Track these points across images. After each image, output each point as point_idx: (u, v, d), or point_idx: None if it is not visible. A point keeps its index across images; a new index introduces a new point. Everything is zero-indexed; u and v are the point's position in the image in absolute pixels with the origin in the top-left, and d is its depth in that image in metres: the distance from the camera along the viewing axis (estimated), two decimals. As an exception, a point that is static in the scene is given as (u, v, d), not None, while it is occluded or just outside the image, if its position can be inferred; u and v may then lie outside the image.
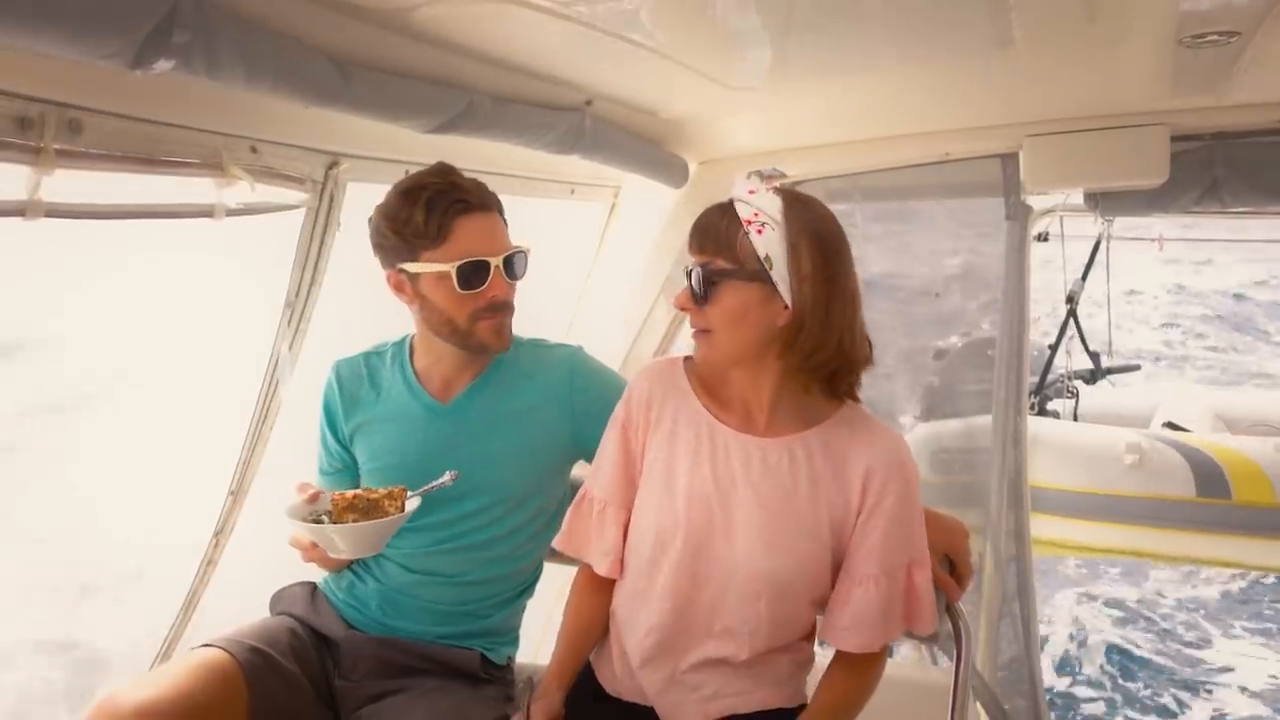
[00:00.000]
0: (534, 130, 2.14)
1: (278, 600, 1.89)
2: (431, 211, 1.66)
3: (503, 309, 1.73)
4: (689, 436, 1.54)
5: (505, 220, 1.78)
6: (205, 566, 2.15)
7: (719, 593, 1.48)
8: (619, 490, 1.59)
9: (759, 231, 1.41)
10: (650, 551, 1.52)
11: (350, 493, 1.63)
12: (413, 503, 1.66)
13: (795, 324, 1.43)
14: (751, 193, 1.44)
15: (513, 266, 1.74)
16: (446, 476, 1.70)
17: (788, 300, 1.42)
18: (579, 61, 2.08)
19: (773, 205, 1.42)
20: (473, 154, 2.16)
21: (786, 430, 1.51)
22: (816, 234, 1.43)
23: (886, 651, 1.55)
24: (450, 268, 1.66)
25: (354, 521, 1.60)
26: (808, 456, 1.49)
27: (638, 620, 1.55)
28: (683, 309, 1.48)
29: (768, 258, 1.41)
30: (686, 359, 1.62)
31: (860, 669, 1.53)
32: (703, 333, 1.47)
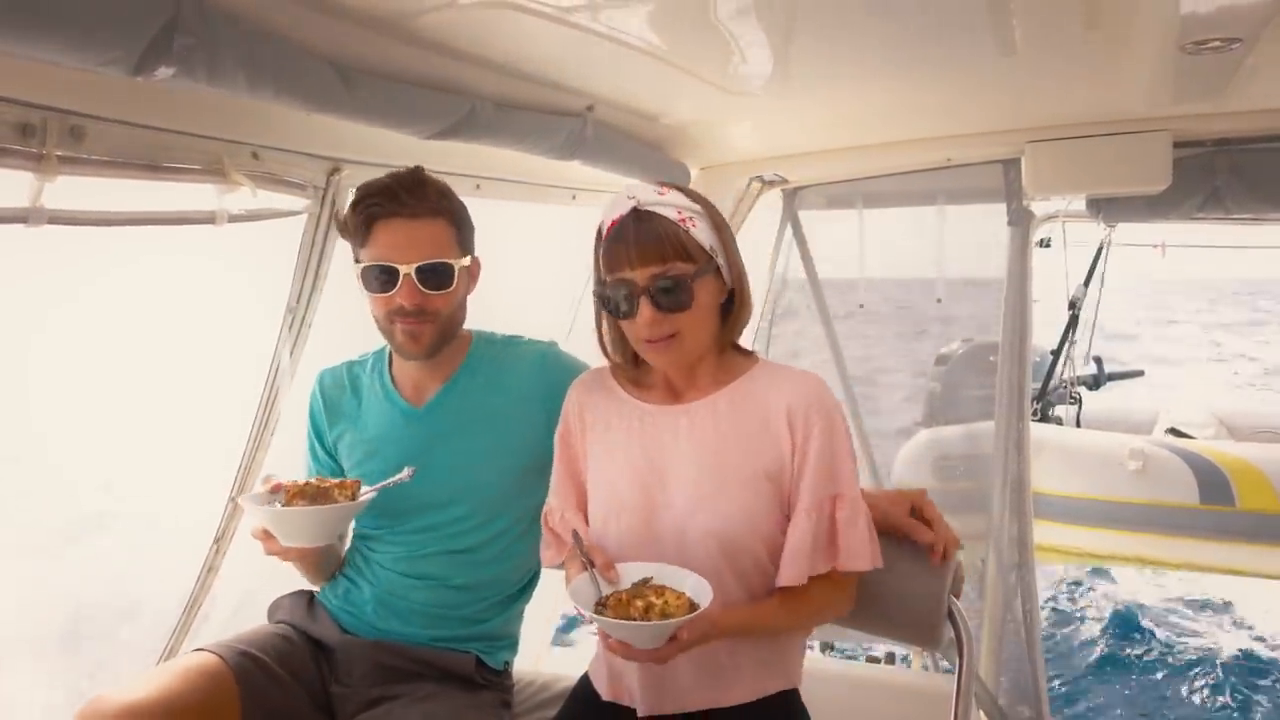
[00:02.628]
0: (535, 136, 2.14)
1: (275, 609, 1.89)
2: (355, 213, 1.69)
3: (414, 316, 1.70)
4: (622, 427, 1.60)
5: (458, 226, 1.75)
6: (206, 573, 2.15)
7: (675, 559, 1.49)
8: (570, 495, 1.64)
9: (693, 225, 1.46)
10: (602, 539, 1.55)
11: (303, 480, 1.64)
12: (365, 495, 1.65)
13: (733, 297, 1.54)
14: (661, 193, 1.47)
15: (429, 277, 1.69)
16: (405, 472, 1.69)
17: (728, 279, 1.52)
18: (580, 67, 2.08)
19: (682, 198, 1.48)
20: (474, 160, 2.16)
21: (709, 390, 1.57)
22: (717, 211, 1.53)
23: (842, 587, 1.54)
24: (358, 269, 1.70)
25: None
26: (730, 408, 1.54)
27: None
28: (651, 324, 1.45)
29: (711, 247, 1.47)
30: (613, 366, 1.65)
31: (790, 601, 1.51)
32: (668, 339, 1.47)
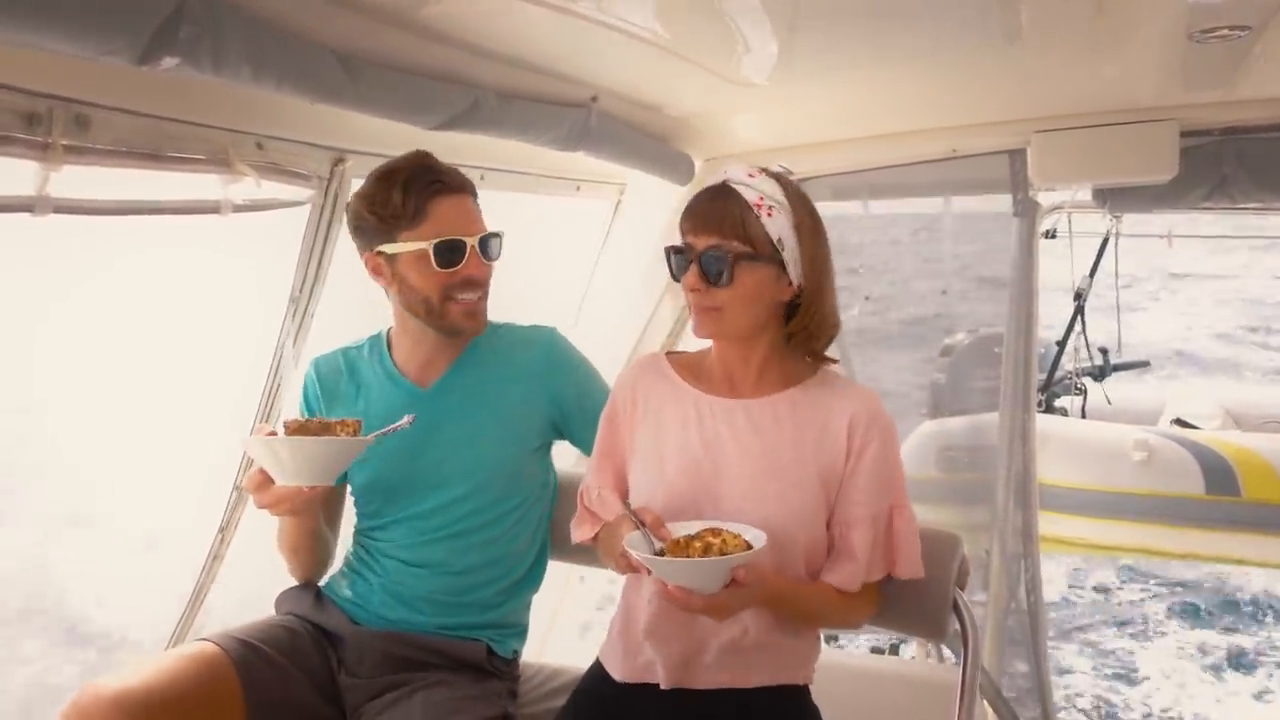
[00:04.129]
0: (539, 127, 2.14)
1: (282, 601, 1.89)
2: (408, 193, 1.71)
3: (476, 288, 1.77)
4: (676, 413, 1.60)
5: (478, 204, 1.82)
6: (211, 562, 2.16)
7: None
8: (608, 474, 1.66)
9: (769, 214, 1.48)
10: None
11: (304, 418, 1.62)
12: (367, 437, 1.61)
13: (799, 299, 1.54)
14: (751, 176, 1.50)
15: (488, 247, 1.78)
16: (405, 419, 1.69)
17: (794, 278, 1.52)
18: (585, 57, 2.07)
19: (774, 188, 1.50)
20: (478, 150, 2.16)
21: (770, 391, 1.58)
22: (812, 215, 1.53)
23: (874, 597, 1.60)
24: (428, 245, 1.71)
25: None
26: (791, 411, 1.56)
27: (643, 590, 1.56)
28: (693, 290, 1.50)
29: (780, 240, 1.48)
30: (669, 353, 1.70)
31: (845, 597, 1.55)
32: (711, 310, 1.51)
